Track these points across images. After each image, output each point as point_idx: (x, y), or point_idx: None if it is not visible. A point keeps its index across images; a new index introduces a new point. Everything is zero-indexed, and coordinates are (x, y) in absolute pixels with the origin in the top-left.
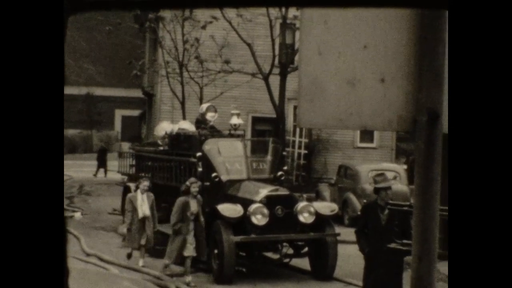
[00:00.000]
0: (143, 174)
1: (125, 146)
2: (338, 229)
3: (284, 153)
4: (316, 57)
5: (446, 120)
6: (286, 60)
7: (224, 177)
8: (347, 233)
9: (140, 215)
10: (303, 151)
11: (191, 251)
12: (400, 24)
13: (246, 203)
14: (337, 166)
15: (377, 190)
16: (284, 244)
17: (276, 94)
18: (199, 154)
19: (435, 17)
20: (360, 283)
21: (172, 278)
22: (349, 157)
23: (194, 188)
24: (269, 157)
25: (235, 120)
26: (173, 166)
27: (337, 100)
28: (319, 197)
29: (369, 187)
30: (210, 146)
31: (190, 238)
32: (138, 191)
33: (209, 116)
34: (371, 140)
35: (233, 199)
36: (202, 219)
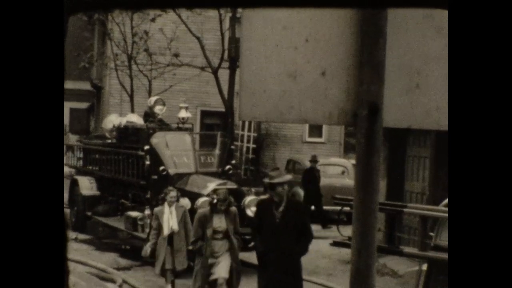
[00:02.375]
0: (90, 168)
1: (73, 138)
2: None
3: (233, 147)
4: (258, 50)
5: (386, 114)
6: (236, 54)
7: (171, 171)
8: None
9: (166, 231)
10: (251, 145)
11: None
12: (341, 18)
13: (194, 196)
14: (285, 161)
15: (272, 186)
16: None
17: (225, 88)
18: (147, 147)
19: (376, 11)
20: (310, 278)
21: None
22: (297, 152)
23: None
24: (217, 151)
25: (183, 114)
26: (121, 159)
27: (278, 93)
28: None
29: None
30: (158, 139)
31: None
32: (165, 204)
33: (157, 109)
34: (319, 135)
35: (181, 193)
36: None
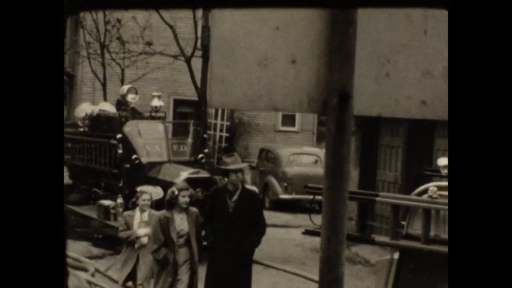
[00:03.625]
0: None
1: None
2: None
3: (205, 135)
4: (228, 38)
5: (356, 102)
6: (209, 42)
7: (144, 159)
8: (268, 216)
9: (136, 244)
10: (224, 134)
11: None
12: None
13: (166, 185)
14: (258, 150)
15: (226, 172)
16: None
17: (198, 76)
18: (119, 136)
19: None
20: (280, 266)
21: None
22: (270, 141)
23: (184, 198)
24: (190, 140)
25: (156, 102)
26: (93, 147)
27: (248, 81)
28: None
29: (290, 171)
30: (131, 128)
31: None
32: (137, 209)
33: (130, 97)
34: (292, 124)
35: (154, 181)
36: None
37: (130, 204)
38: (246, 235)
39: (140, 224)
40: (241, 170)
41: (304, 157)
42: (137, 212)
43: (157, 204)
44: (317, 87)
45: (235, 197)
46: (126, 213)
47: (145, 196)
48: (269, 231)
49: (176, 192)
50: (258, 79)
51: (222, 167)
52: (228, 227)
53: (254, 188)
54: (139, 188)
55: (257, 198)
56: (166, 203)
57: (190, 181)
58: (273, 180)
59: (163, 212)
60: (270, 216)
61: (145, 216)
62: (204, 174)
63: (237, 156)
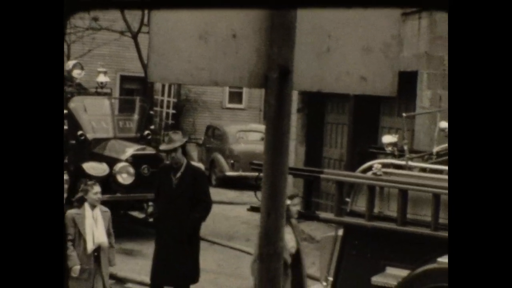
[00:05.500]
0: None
1: None
2: None
3: (152, 112)
4: (168, 11)
5: (297, 77)
6: None
7: (90, 136)
8: (214, 193)
9: (90, 246)
10: (171, 111)
11: None
12: None
13: (112, 161)
14: (205, 126)
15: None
16: (150, 203)
17: (145, 52)
18: (64, 112)
19: None
20: (226, 243)
21: None
22: (217, 118)
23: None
24: (136, 116)
25: (102, 78)
26: None
27: (188, 55)
28: (187, 157)
29: (236, 148)
30: (76, 103)
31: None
32: (86, 206)
33: (76, 73)
34: (239, 101)
35: (99, 158)
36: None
37: (76, 201)
38: (189, 211)
39: (93, 226)
40: (172, 150)
41: (251, 134)
42: (87, 209)
43: (102, 182)
44: (258, 61)
45: (179, 174)
46: (72, 211)
47: (96, 189)
48: (215, 208)
49: (288, 201)
50: (198, 53)
51: (164, 146)
52: (171, 203)
53: (200, 165)
54: (89, 183)
55: (201, 175)
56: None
57: (135, 158)
58: (219, 157)
59: (75, 210)
60: (216, 193)
61: (97, 213)
62: (149, 150)
63: (172, 135)
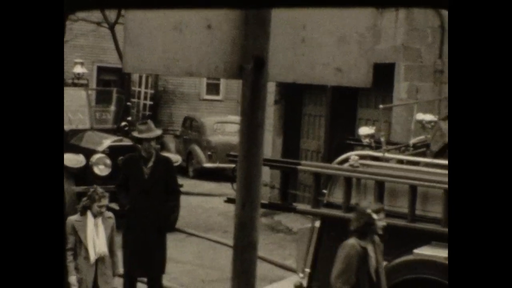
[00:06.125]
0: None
1: None
2: (182, 181)
3: (129, 103)
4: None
5: (272, 68)
6: None
7: (66, 127)
8: (191, 184)
9: (93, 255)
10: (148, 102)
11: None
12: None
13: (88, 153)
14: (182, 118)
15: (139, 140)
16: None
17: (122, 44)
18: None
19: None
20: (203, 234)
21: None
22: (194, 109)
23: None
24: (113, 107)
25: (78, 69)
26: None
27: (163, 45)
28: (164, 148)
29: (214, 139)
30: None
31: None
32: (89, 214)
33: None
34: (217, 92)
35: (76, 149)
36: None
37: (80, 208)
38: (163, 201)
39: (95, 233)
40: (154, 139)
41: (228, 126)
42: (89, 217)
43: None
44: (233, 52)
45: (150, 164)
46: (72, 218)
47: (103, 202)
48: (193, 199)
49: (375, 216)
50: (173, 44)
51: (135, 135)
52: (145, 194)
53: (177, 156)
54: (99, 191)
55: (171, 164)
56: (360, 229)
57: (112, 149)
58: (197, 148)
59: (76, 217)
60: (194, 184)
61: (98, 222)
62: (127, 142)
63: (150, 123)
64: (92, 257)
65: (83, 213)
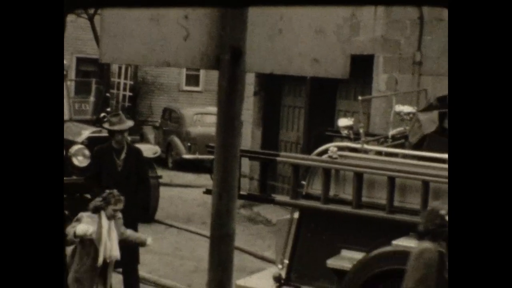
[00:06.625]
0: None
1: None
2: (161, 172)
3: (108, 94)
4: None
5: (249, 59)
6: None
7: None
8: (171, 175)
9: (102, 258)
10: (128, 93)
11: None
12: None
13: (67, 144)
14: (162, 109)
15: (111, 132)
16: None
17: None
18: None
19: None
20: (182, 225)
21: None
22: (174, 100)
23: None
24: (92, 98)
25: None
26: None
27: (140, 36)
28: (143, 139)
29: (193, 130)
30: None
31: None
32: (102, 214)
33: None
34: (196, 83)
35: None
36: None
37: (93, 207)
38: (135, 192)
39: (107, 235)
40: (127, 130)
41: (207, 117)
42: (103, 218)
43: None
44: (210, 43)
45: (123, 156)
46: (84, 214)
47: (119, 206)
48: (172, 191)
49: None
50: (150, 34)
51: (107, 127)
52: (119, 185)
53: (156, 148)
54: (115, 194)
55: (142, 154)
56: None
57: (91, 140)
58: (176, 140)
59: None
60: (173, 176)
61: (112, 223)
62: (105, 133)
63: (122, 115)
64: (101, 261)
65: (95, 212)
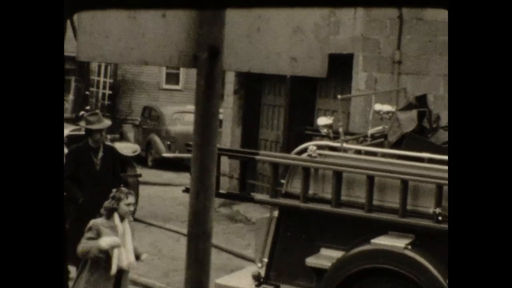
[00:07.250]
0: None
1: None
2: (141, 170)
3: (87, 92)
4: None
5: (227, 57)
6: None
7: None
8: (150, 174)
9: (115, 268)
10: (107, 91)
11: None
12: None
13: None
14: (142, 107)
15: (89, 131)
16: None
17: None
18: None
19: None
20: (161, 224)
21: None
22: (154, 99)
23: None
24: (71, 96)
25: None
26: None
27: (117, 34)
28: (123, 138)
29: (173, 129)
30: None
31: None
32: (116, 217)
33: None
34: (176, 82)
35: None
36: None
37: (105, 210)
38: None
39: (123, 241)
40: (104, 130)
41: (187, 116)
42: (117, 222)
43: None
44: (187, 41)
45: (100, 154)
46: (98, 221)
47: (130, 199)
48: (152, 189)
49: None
50: (127, 32)
51: (84, 125)
52: (97, 185)
53: (135, 146)
54: (123, 190)
55: (117, 152)
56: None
57: (71, 138)
58: (156, 138)
59: (101, 220)
60: (153, 174)
61: (126, 227)
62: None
63: (100, 115)
64: (114, 270)
65: (110, 215)
